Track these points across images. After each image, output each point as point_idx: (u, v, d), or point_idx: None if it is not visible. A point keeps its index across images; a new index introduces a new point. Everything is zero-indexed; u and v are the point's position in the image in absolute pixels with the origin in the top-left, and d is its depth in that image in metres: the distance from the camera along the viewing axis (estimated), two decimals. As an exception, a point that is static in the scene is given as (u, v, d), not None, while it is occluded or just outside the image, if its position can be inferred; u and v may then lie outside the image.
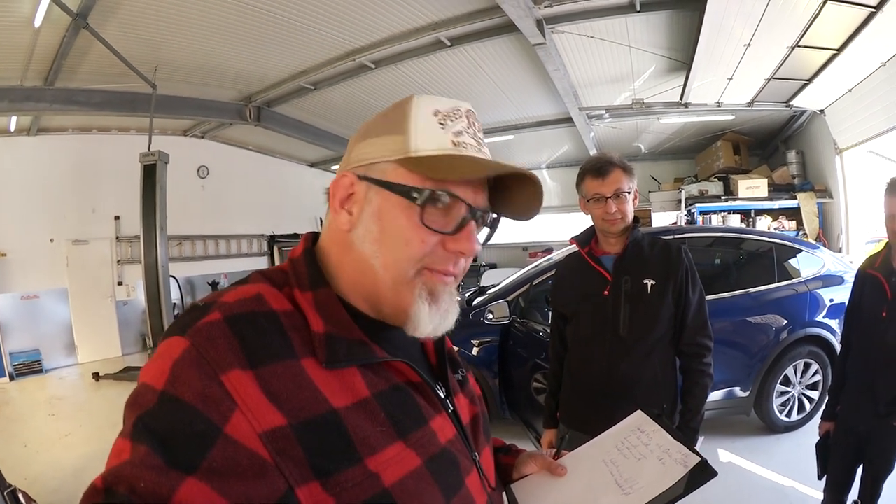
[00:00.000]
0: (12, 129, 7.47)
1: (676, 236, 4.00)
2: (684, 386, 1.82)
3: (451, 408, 0.73)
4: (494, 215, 0.71)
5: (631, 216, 1.80)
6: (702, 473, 0.79)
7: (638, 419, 0.98)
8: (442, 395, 0.73)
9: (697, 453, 0.82)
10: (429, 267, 0.65)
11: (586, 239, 1.93)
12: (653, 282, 1.78)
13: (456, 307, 0.69)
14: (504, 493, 0.90)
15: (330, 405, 0.56)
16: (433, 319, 0.65)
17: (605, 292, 1.80)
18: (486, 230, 0.73)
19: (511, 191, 0.70)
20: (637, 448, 0.89)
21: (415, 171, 0.63)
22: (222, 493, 0.47)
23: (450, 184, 0.64)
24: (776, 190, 8.16)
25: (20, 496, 2.26)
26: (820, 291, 4.02)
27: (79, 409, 5.69)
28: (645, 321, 1.77)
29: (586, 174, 1.80)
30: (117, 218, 8.46)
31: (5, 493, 2.19)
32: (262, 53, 6.47)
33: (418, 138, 0.64)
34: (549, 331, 3.16)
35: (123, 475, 0.46)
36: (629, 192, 1.77)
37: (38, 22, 4.90)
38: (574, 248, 1.98)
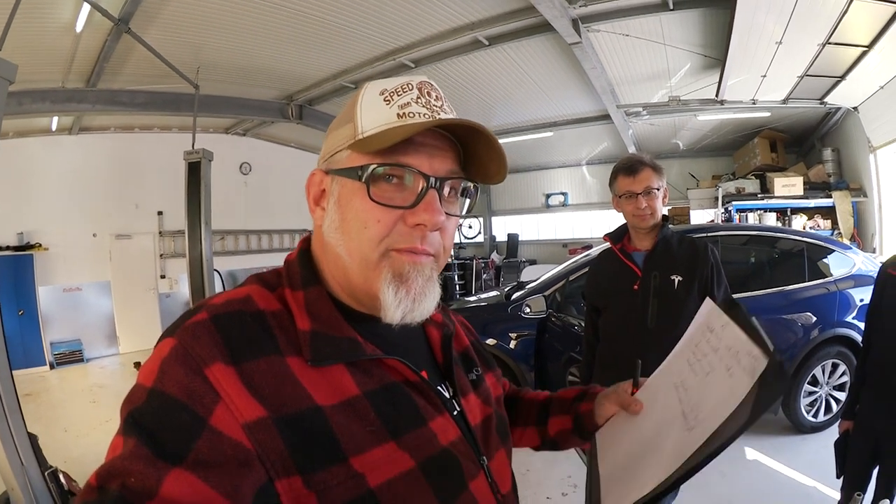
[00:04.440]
0: (54, 128, 7.63)
1: (710, 234, 4.04)
2: None
3: (458, 409, 0.72)
4: (470, 184, 0.68)
5: (660, 213, 1.90)
6: (771, 386, 0.63)
7: (709, 312, 0.91)
8: (448, 395, 0.72)
9: (767, 349, 0.67)
10: (393, 248, 0.62)
11: (619, 236, 2.04)
12: (680, 278, 1.87)
13: (435, 290, 0.66)
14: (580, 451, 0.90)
15: (313, 402, 0.56)
16: (402, 304, 0.62)
17: (635, 287, 1.90)
18: (466, 201, 0.70)
19: (481, 156, 0.67)
20: (707, 357, 0.82)
21: (363, 153, 0.62)
22: (209, 483, 0.48)
23: (398, 156, 0.61)
24: (812, 188, 8.03)
25: (61, 476, 2.35)
26: (850, 291, 4.00)
27: (119, 397, 5.75)
28: (671, 315, 1.85)
29: (619, 173, 1.92)
30: (160, 213, 8.70)
31: (46, 474, 2.29)
32: (303, 54, 6.59)
33: (364, 119, 0.63)
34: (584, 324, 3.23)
35: (115, 470, 0.47)
36: (658, 190, 1.87)
37: (79, 27, 4.99)
38: (608, 244, 2.08)
